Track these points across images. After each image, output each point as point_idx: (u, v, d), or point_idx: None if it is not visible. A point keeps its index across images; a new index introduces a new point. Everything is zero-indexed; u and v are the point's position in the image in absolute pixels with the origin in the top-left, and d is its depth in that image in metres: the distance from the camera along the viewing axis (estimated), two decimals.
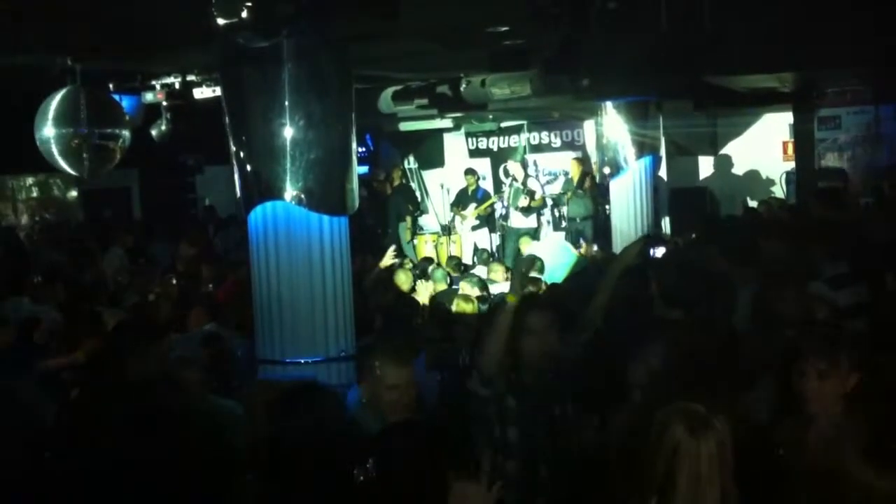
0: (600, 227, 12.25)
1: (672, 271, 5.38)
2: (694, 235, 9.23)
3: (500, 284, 9.16)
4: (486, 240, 13.64)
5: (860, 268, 5.34)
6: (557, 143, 14.24)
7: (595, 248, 11.31)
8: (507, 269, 10.67)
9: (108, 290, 9.30)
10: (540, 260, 9.16)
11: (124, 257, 11.00)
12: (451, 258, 12.01)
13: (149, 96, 9.52)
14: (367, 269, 8.95)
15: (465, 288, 8.56)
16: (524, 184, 12.83)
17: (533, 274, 8.44)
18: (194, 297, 8.22)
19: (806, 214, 8.31)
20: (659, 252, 8.16)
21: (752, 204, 11.79)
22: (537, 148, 14.31)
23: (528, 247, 11.42)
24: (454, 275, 10.10)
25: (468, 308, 7.28)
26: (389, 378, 3.75)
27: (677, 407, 2.52)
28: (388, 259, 9.15)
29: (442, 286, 9.26)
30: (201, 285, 9.20)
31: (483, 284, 8.64)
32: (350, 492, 2.71)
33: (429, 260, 11.38)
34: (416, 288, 9.07)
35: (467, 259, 13.31)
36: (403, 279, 9.26)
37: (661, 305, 5.08)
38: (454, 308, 7.36)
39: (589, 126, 13.29)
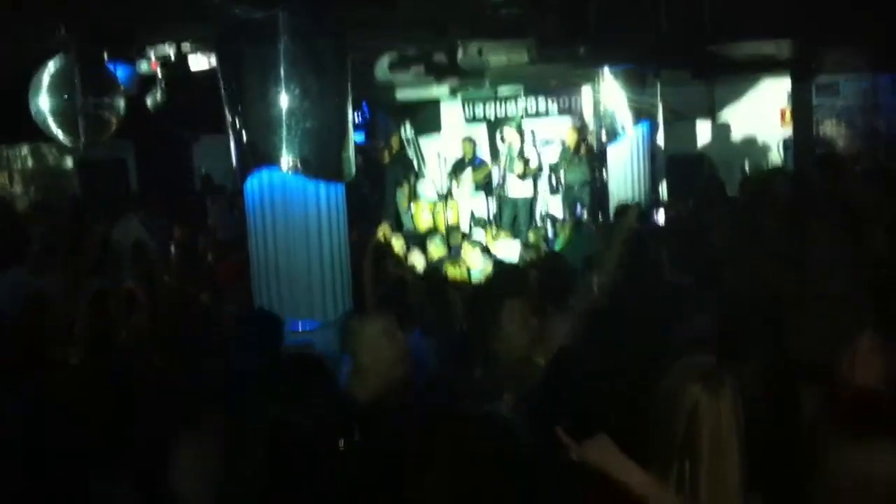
0: (597, 193, 12.24)
1: (683, 238, 5.41)
2: (693, 204, 9.23)
3: (502, 250, 9.20)
4: (484, 207, 13.64)
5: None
6: (554, 109, 14.19)
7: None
8: (510, 236, 10.73)
9: (118, 260, 9.26)
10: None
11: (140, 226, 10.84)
12: (449, 227, 12.03)
13: (144, 66, 9.46)
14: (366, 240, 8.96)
15: (467, 250, 8.61)
16: (521, 150, 12.81)
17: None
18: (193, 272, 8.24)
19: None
20: (660, 219, 8.20)
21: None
22: (534, 114, 14.26)
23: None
24: (453, 244, 10.15)
25: (460, 275, 7.33)
26: (383, 349, 3.69)
27: (689, 364, 2.49)
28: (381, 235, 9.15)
29: (440, 253, 9.29)
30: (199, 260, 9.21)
31: (485, 249, 8.71)
32: (333, 460, 2.73)
33: (434, 231, 11.38)
34: (410, 257, 9.10)
35: (465, 226, 13.32)
36: (398, 247, 9.29)
37: (672, 271, 5.11)
38: (450, 275, 7.41)
39: (586, 92, 13.24)
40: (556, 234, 12.27)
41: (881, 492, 2.09)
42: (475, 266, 8.30)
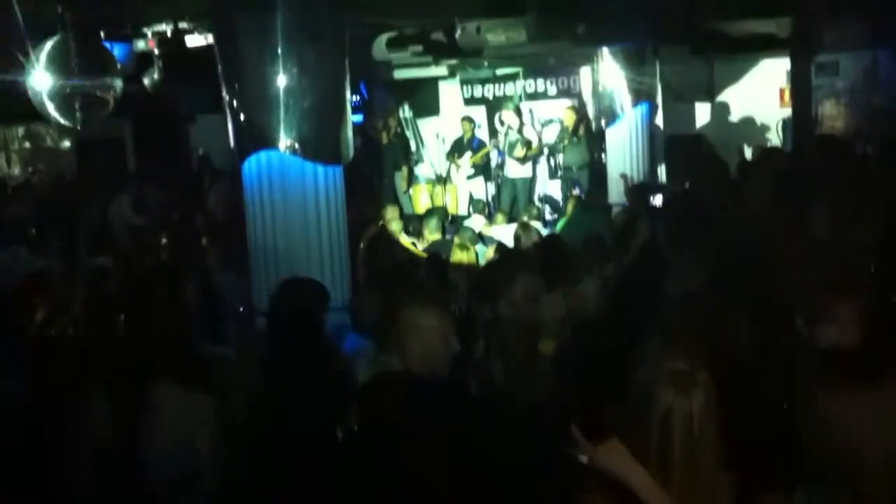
0: (596, 175, 12.22)
1: (680, 216, 5.40)
2: (688, 184, 9.22)
3: (501, 232, 9.20)
4: (482, 189, 13.61)
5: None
6: (553, 90, 14.13)
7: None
8: (508, 217, 10.74)
9: (114, 237, 9.28)
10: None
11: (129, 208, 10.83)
12: (438, 209, 11.97)
13: (140, 44, 9.41)
14: (363, 222, 8.95)
15: (459, 239, 8.62)
16: (520, 132, 12.77)
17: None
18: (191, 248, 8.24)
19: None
20: (657, 200, 8.20)
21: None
22: (533, 95, 14.21)
23: None
24: (446, 223, 10.15)
25: (465, 257, 7.33)
26: (439, 346, 3.46)
27: (659, 366, 2.49)
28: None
29: (436, 236, 9.29)
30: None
31: (477, 237, 8.71)
32: (334, 443, 2.74)
33: (431, 212, 11.37)
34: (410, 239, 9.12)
35: (463, 208, 13.31)
36: (396, 228, 9.30)
37: (670, 250, 5.11)
38: (452, 257, 7.41)
39: (585, 73, 13.19)
40: (555, 216, 12.28)
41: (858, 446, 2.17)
42: (474, 248, 8.31)
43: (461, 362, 3.92)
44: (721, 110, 13.62)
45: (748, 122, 13.37)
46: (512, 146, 12.67)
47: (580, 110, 13.10)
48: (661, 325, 3.48)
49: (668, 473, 2.39)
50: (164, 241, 8.78)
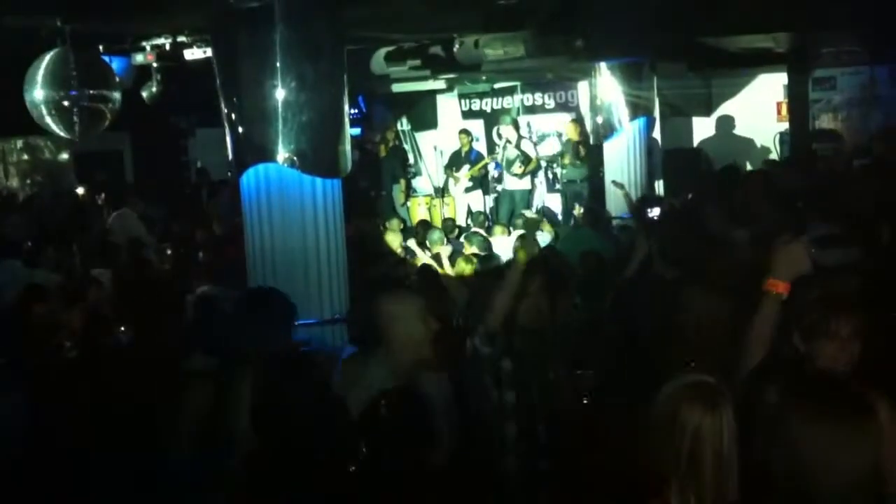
0: (595, 188, 12.23)
1: (669, 231, 5.40)
2: (690, 196, 9.23)
3: (501, 245, 9.19)
4: (480, 202, 13.62)
5: (850, 229, 5.34)
6: (551, 104, 14.15)
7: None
8: (507, 231, 10.73)
9: (113, 251, 9.26)
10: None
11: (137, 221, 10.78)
12: (446, 220, 12.02)
13: (139, 58, 9.43)
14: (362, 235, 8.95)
15: (468, 248, 8.62)
16: (518, 146, 12.78)
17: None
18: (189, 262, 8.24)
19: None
20: (654, 213, 8.21)
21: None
22: (531, 109, 14.23)
23: None
24: (451, 236, 10.14)
25: (468, 269, 7.32)
26: (418, 327, 3.59)
27: (686, 383, 2.46)
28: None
29: (439, 248, 9.30)
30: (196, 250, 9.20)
31: (486, 243, 8.69)
32: (343, 477, 2.72)
33: (425, 224, 11.37)
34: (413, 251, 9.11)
35: (461, 221, 13.30)
36: (392, 239, 9.29)
37: (661, 265, 5.12)
38: (455, 269, 7.40)
39: (583, 87, 13.21)
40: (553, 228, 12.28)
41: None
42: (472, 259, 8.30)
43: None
44: (719, 124, 13.64)
45: (745, 135, 13.40)
46: (510, 163, 12.68)
47: (580, 123, 13.13)
48: (675, 341, 3.49)
49: (699, 488, 2.35)
50: (168, 252, 8.80)
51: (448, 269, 8.15)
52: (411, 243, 9.52)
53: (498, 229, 10.88)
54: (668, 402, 2.42)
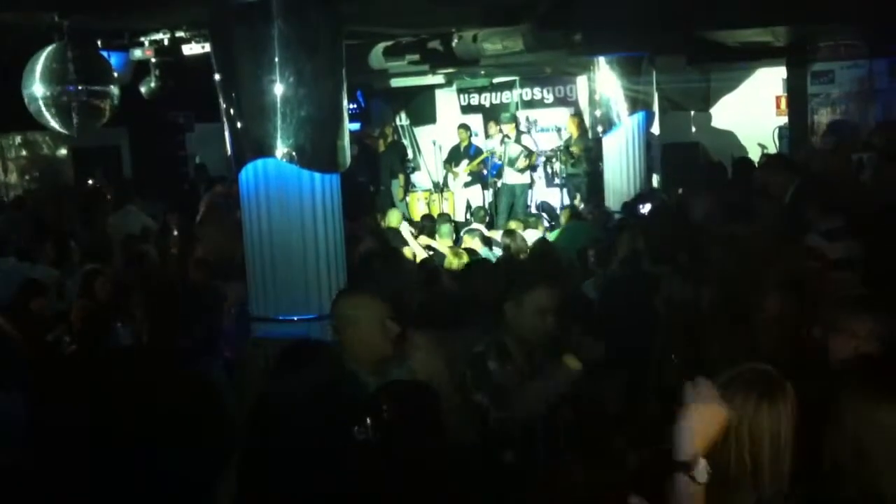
0: (594, 182, 12.23)
1: (657, 228, 5.41)
2: (680, 190, 9.25)
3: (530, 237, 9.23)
4: (479, 196, 13.62)
5: (855, 222, 5.34)
6: (550, 98, 14.16)
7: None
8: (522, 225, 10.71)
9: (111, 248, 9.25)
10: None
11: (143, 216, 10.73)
12: (441, 215, 12.01)
13: (137, 53, 9.41)
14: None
15: (467, 241, 8.64)
16: (518, 141, 12.78)
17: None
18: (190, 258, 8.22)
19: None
20: (646, 209, 8.23)
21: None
22: (529, 104, 14.24)
23: None
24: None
25: (455, 262, 7.33)
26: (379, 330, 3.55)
27: (747, 372, 2.40)
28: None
29: (448, 242, 9.32)
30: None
31: (484, 237, 8.71)
32: (350, 451, 2.70)
33: (429, 218, 11.37)
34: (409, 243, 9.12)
35: (460, 216, 13.31)
36: (394, 219, 9.33)
37: (649, 261, 5.13)
38: (446, 263, 7.40)
39: (582, 82, 13.21)
40: (552, 223, 12.28)
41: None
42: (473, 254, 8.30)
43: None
44: (717, 118, 13.64)
45: (744, 129, 13.39)
46: (513, 160, 12.67)
47: (579, 118, 13.12)
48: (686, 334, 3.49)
49: (756, 473, 2.31)
50: (173, 250, 8.80)
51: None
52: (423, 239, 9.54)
53: (513, 224, 10.84)
54: (728, 389, 2.34)
